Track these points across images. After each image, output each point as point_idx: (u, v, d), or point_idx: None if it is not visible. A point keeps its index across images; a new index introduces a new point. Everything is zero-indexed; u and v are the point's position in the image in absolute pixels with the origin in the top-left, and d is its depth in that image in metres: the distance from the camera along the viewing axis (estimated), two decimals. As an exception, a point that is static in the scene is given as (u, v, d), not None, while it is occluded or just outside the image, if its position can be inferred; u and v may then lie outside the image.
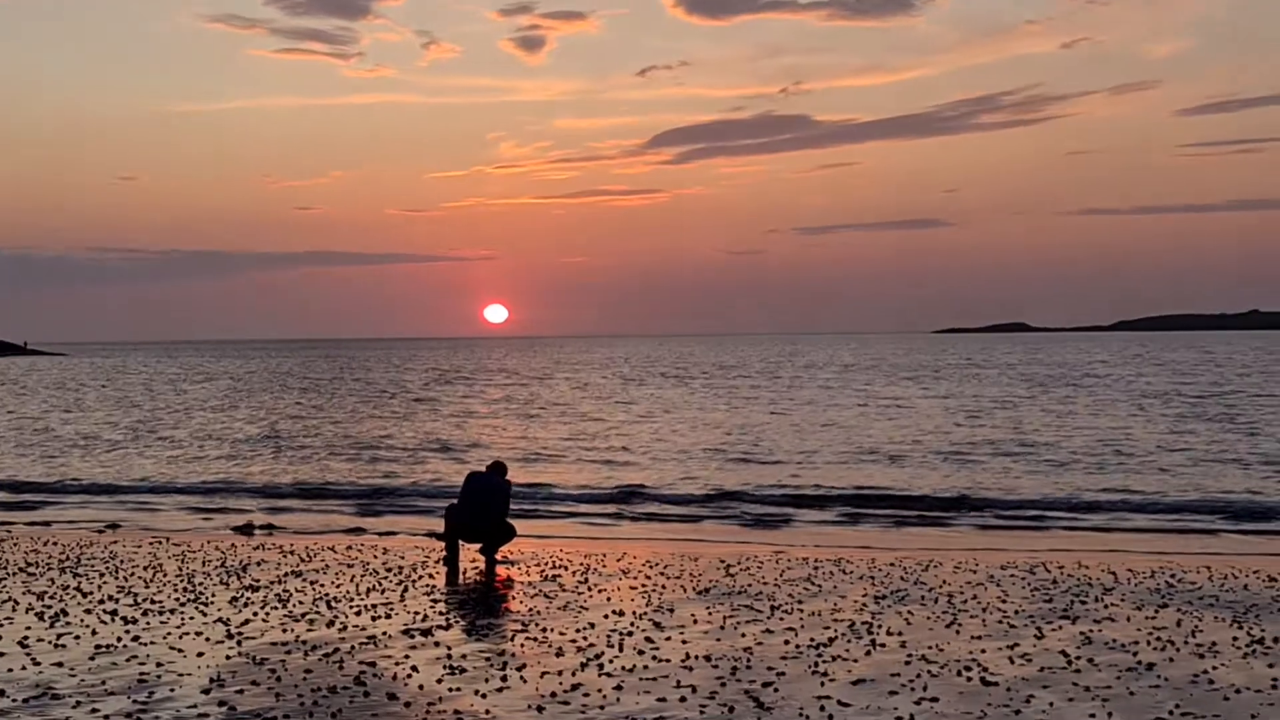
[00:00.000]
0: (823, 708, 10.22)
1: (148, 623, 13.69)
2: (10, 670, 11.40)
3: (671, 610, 14.53)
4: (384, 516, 26.27)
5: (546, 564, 18.18)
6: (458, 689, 10.80)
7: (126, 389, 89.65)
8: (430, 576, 17.17)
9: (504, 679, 11.13)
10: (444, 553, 18.66)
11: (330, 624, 13.65)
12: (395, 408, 64.19)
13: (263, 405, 67.36)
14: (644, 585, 16.29)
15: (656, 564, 18.15)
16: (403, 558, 18.94)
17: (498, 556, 18.62)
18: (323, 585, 16.27)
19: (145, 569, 17.59)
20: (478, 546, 18.73)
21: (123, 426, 52.31)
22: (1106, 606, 14.85)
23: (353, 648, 12.41)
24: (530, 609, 14.69)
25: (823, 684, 10.98)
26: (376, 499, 29.51)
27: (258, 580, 16.65)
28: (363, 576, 16.99)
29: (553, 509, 27.22)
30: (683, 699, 10.46)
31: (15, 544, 20.41)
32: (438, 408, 64.15)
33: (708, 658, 11.98)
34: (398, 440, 44.70)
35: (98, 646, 12.41)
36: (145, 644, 12.55)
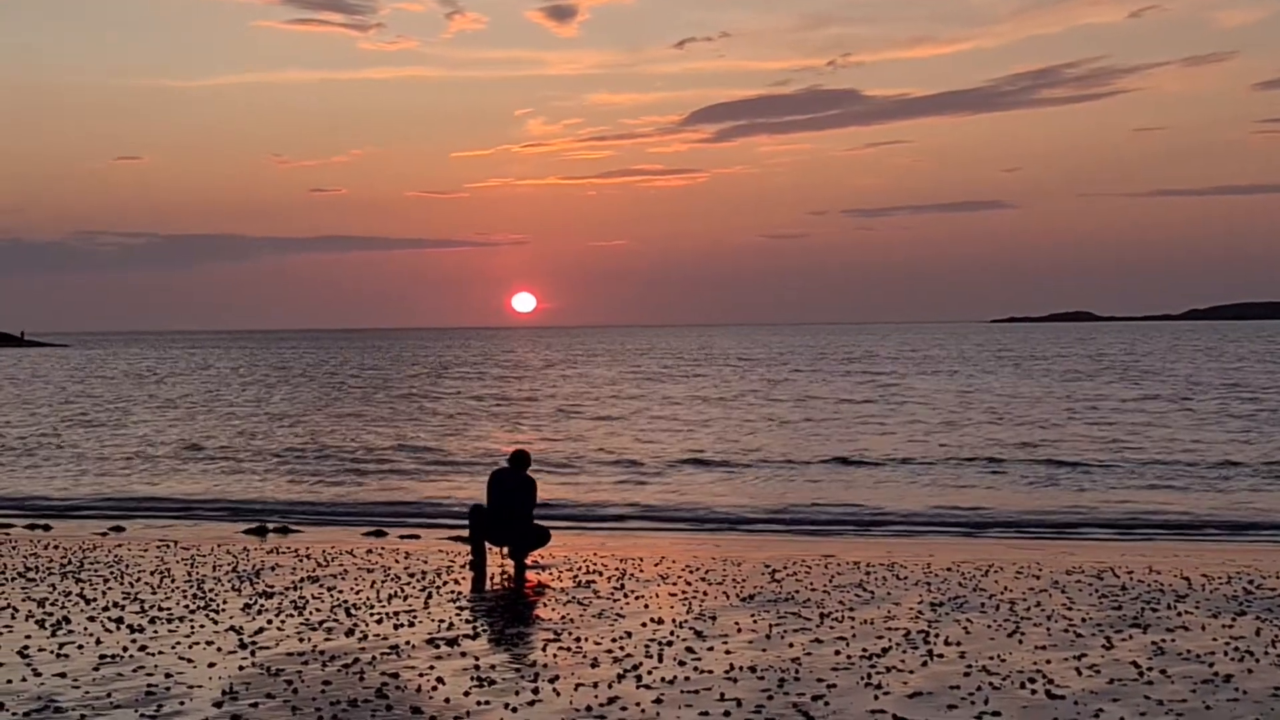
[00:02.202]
0: (877, 722, 10.21)
1: (155, 631, 13.74)
2: (10, 682, 11.44)
3: (714, 618, 14.52)
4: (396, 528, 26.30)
5: (580, 569, 18.19)
6: (486, 702, 10.80)
7: (109, 383, 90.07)
8: (456, 582, 17.20)
9: (535, 691, 11.13)
10: (470, 557, 18.70)
11: (350, 633, 13.68)
12: (380, 407, 64.29)
13: (226, 404, 67.57)
14: (684, 592, 16.29)
15: (697, 569, 18.15)
16: (426, 562, 18.98)
17: (527, 561, 18.64)
18: (341, 591, 16.32)
19: (152, 574, 17.67)
20: (506, 550, 18.75)
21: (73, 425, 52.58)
22: (1180, 615, 14.78)
23: (374, 658, 12.43)
24: (563, 617, 14.70)
25: (876, 697, 10.96)
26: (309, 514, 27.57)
27: (272, 586, 16.70)
28: (384, 582, 17.04)
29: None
30: (727, 713, 10.45)
31: (14, 547, 20.53)
32: (438, 408, 64.23)
33: (753, 669, 11.97)
34: (356, 446, 44.45)
35: (102, 656, 12.46)
36: (153, 654, 12.60)
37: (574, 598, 15.94)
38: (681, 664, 12.16)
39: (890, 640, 13.28)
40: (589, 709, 10.58)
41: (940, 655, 12.57)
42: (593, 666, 12.10)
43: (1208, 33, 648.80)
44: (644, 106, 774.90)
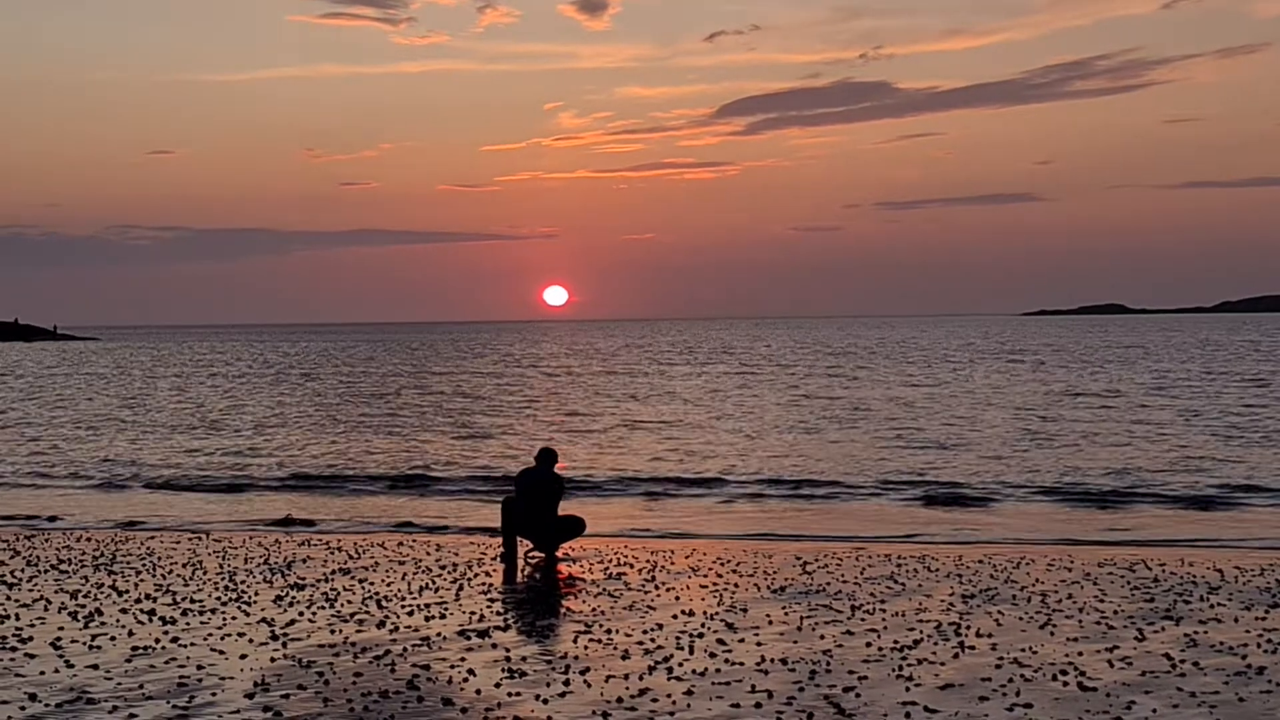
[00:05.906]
0: (908, 714, 10.19)
1: (187, 623, 13.80)
2: (43, 673, 11.52)
3: (745, 610, 14.51)
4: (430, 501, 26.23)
5: (610, 561, 18.19)
6: (517, 694, 10.82)
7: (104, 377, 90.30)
8: (486, 574, 17.22)
9: (566, 683, 11.14)
10: (501, 549, 18.72)
11: (381, 625, 13.71)
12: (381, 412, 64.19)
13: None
14: (715, 584, 16.28)
15: (728, 561, 18.13)
16: (456, 554, 19.01)
17: (558, 554, 18.65)
18: (372, 583, 16.35)
19: (184, 566, 17.73)
20: (536, 545, 18.75)
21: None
22: (1212, 606, 14.72)
23: (405, 650, 12.46)
24: (594, 609, 14.71)
25: (908, 689, 10.94)
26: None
27: (303, 578, 16.75)
28: (415, 574, 17.07)
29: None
30: (758, 704, 10.45)
31: (47, 540, 20.62)
32: (462, 409, 64.12)
33: (784, 661, 11.96)
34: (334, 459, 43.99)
35: (135, 648, 12.51)
36: (185, 645, 12.65)
37: (605, 590, 15.95)
38: (712, 656, 12.16)
39: (921, 632, 13.26)
40: (620, 700, 10.58)
41: (972, 647, 12.54)
42: (623, 658, 12.11)
43: (1241, 24, 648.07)
44: (675, 100, 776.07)
